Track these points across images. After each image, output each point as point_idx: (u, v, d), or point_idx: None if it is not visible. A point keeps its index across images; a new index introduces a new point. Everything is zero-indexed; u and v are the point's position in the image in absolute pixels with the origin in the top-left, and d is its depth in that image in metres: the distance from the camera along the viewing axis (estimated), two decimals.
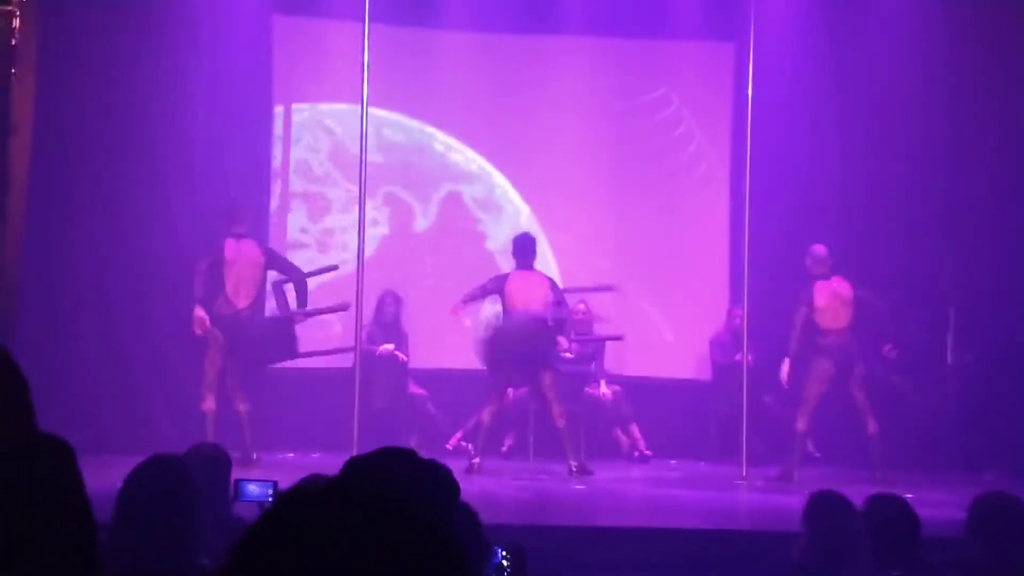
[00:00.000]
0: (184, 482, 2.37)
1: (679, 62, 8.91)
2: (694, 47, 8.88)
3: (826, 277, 7.31)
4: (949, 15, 8.07)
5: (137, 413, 7.50)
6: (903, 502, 3.37)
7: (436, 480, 1.21)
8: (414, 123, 8.83)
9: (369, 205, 7.97)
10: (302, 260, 8.41)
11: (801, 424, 7.22)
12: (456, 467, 7.49)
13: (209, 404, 7.07)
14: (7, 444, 1.48)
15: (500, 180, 8.92)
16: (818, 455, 7.87)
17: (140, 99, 7.76)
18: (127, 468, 2.60)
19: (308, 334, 8.19)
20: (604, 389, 8.27)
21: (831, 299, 7.27)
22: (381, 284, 8.23)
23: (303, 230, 8.67)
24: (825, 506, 3.24)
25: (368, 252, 8.01)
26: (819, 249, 7.38)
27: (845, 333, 7.24)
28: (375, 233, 8.60)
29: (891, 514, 3.27)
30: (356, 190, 7.38)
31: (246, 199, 7.92)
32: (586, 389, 8.23)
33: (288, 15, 8.57)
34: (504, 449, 8.04)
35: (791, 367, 7.23)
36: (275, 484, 3.29)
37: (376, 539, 0.83)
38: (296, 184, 8.68)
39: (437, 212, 8.86)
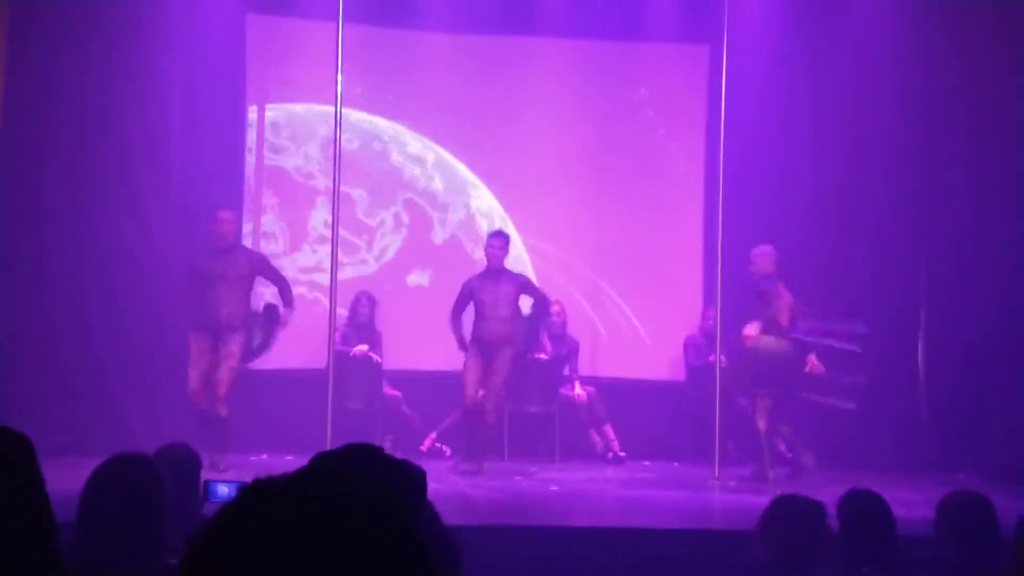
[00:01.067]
0: (149, 479, 2.35)
1: (653, 64, 8.93)
2: (668, 49, 8.91)
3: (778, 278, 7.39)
4: (923, 18, 8.13)
5: (112, 415, 7.43)
6: (881, 499, 3.37)
7: (401, 476, 1.21)
8: (388, 124, 8.80)
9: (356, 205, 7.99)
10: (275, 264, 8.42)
11: (761, 424, 7.25)
12: (430, 468, 7.47)
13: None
14: None
15: (474, 181, 8.91)
16: (789, 455, 7.91)
17: (112, 99, 7.71)
18: None
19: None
20: (578, 390, 8.29)
21: None
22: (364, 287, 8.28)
23: (278, 231, 8.62)
24: (786, 511, 3.23)
25: (347, 252, 8.02)
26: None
27: None
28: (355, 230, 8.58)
29: (868, 510, 3.28)
30: (323, 189, 7.37)
31: (219, 199, 7.90)
32: (560, 390, 8.24)
33: (262, 14, 8.53)
34: None
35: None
36: (244, 485, 3.26)
37: (336, 533, 0.82)
38: (268, 184, 8.63)
39: (410, 215, 8.85)
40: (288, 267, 8.35)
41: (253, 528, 0.83)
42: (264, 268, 7.38)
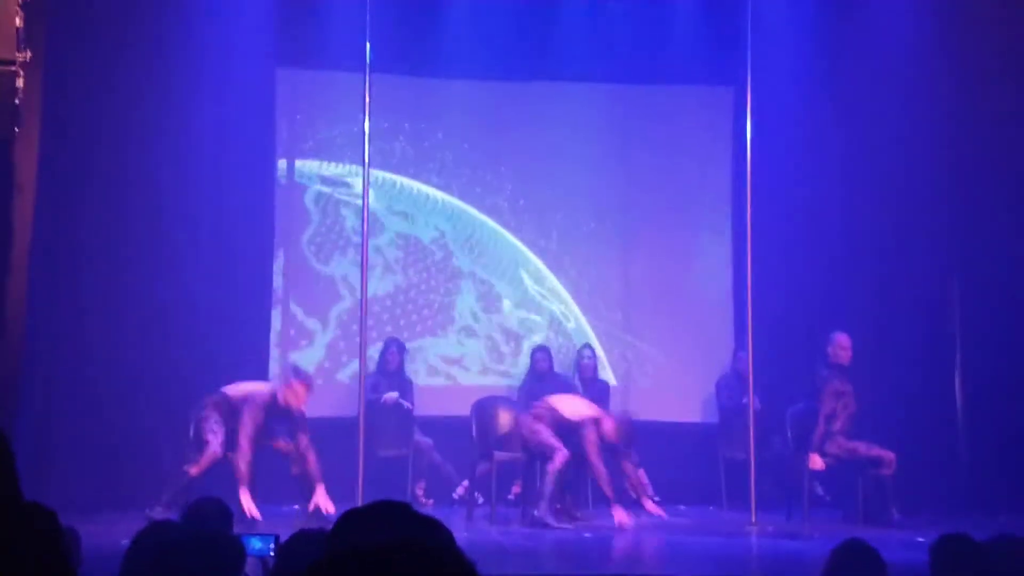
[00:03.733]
0: (185, 550, 2.36)
1: (678, 107, 8.94)
2: (693, 91, 8.93)
3: None
4: (949, 55, 8.11)
5: (151, 470, 7.43)
6: (975, 544, 3.27)
7: (428, 534, 1.19)
8: (414, 182, 8.83)
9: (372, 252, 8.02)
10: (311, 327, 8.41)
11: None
12: (460, 515, 7.36)
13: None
14: None
15: (498, 228, 8.91)
16: (828, 498, 7.81)
17: (144, 156, 7.81)
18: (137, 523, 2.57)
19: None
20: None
21: None
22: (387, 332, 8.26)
23: (309, 280, 8.65)
24: (854, 557, 3.18)
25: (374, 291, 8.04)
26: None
27: None
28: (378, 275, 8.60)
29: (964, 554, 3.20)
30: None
31: (250, 255, 8.02)
32: None
33: (291, 68, 8.61)
34: (511, 496, 7.98)
35: None
36: (276, 538, 3.25)
37: None
38: (302, 244, 8.63)
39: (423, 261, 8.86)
40: (428, 349, 8.34)
41: None
42: None
